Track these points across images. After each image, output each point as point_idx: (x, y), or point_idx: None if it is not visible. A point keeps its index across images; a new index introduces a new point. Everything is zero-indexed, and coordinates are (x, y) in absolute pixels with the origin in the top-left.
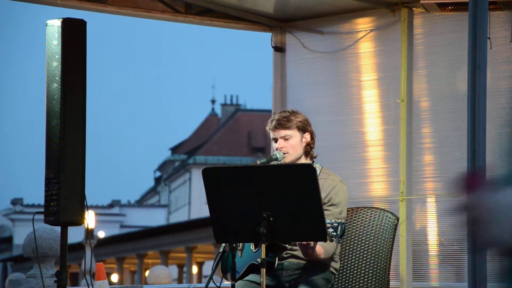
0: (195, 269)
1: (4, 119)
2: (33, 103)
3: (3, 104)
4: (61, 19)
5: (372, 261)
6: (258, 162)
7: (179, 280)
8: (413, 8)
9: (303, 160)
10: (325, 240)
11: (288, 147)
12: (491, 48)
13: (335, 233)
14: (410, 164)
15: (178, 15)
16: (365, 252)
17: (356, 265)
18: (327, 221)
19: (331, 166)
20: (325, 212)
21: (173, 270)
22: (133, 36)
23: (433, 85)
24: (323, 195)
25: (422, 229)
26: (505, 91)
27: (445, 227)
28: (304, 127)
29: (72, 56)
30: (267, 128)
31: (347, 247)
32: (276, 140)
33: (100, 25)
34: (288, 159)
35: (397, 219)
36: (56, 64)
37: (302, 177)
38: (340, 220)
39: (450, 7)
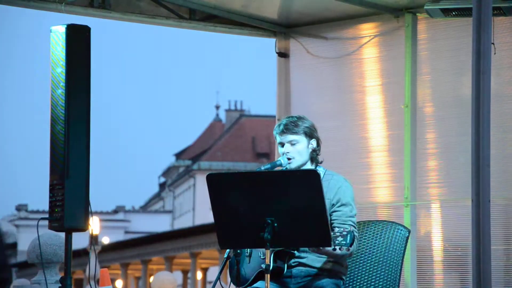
0: (199, 275)
1: (9, 124)
2: (39, 108)
3: (10, 108)
4: (66, 25)
5: (383, 274)
6: (263, 168)
7: (184, 286)
8: (417, 14)
9: (309, 166)
10: (329, 246)
11: (294, 152)
12: (495, 53)
13: (344, 242)
14: (414, 169)
15: (182, 21)
16: (376, 264)
17: (366, 277)
18: (336, 229)
19: (335, 171)
20: (337, 213)
21: (178, 276)
22: (137, 42)
23: (437, 90)
24: (330, 195)
25: (426, 235)
26: (509, 97)
27: (450, 233)
28: (311, 133)
29: (76, 62)
30: (274, 132)
31: (358, 260)
32: (282, 144)
33: (104, 31)
34: (293, 164)
35: (409, 231)
36: (60, 70)
37: (307, 183)
38: (349, 229)
39: (454, 13)
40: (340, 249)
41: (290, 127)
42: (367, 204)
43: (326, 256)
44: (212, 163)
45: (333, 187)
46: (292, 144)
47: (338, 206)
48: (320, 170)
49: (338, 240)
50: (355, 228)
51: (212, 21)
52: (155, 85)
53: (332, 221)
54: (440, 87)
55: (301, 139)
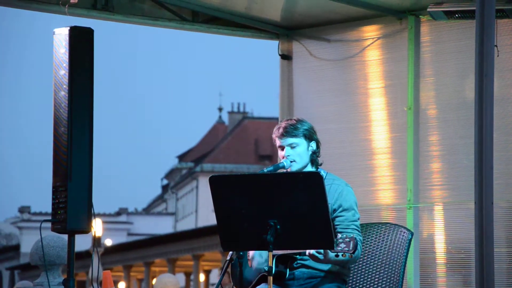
0: (202, 277)
1: (13, 125)
2: (42, 110)
3: (16, 110)
4: (69, 28)
5: (386, 276)
6: (265, 170)
7: None
8: (420, 16)
9: (309, 168)
10: (332, 248)
11: (295, 155)
12: (498, 56)
13: (347, 249)
14: (417, 172)
15: (185, 23)
16: (379, 266)
17: (369, 279)
18: (339, 236)
19: (338, 173)
20: (340, 218)
21: (180, 278)
22: (140, 44)
23: (440, 93)
24: (331, 199)
25: (429, 237)
26: None
27: (453, 235)
28: (310, 136)
29: (79, 64)
30: (274, 136)
31: (361, 262)
32: (282, 148)
33: (107, 34)
34: (295, 167)
35: (411, 233)
36: (63, 72)
37: (309, 185)
38: (352, 235)
39: (457, 15)
40: (343, 255)
41: (289, 130)
42: (370, 207)
43: None
44: (215, 165)
45: (334, 192)
46: (292, 147)
47: (340, 212)
48: (321, 172)
49: (340, 247)
50: (358, 232)
51: (215, 23)
52: (158, 87)
53: (335, 226)
54: (443, 89)
55: (301, 142)
